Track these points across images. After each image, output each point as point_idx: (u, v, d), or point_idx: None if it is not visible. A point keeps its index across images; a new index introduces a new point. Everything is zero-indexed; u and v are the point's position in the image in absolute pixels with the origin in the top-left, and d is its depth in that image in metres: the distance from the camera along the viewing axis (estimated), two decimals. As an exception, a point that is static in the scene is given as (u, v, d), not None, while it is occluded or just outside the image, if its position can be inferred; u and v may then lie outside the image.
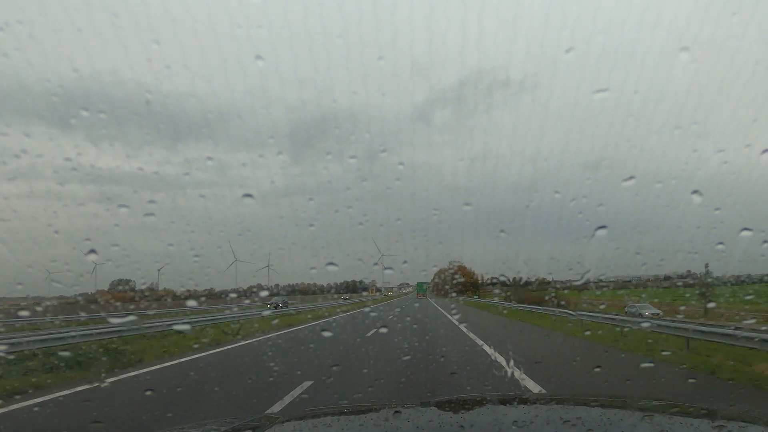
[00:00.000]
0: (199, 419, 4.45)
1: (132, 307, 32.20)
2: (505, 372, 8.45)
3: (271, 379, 8.70)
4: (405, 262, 13.15)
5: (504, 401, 1.94)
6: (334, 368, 9.69)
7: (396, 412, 2.01)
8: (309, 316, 30.78)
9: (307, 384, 7.78)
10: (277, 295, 45.85)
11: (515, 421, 1.71)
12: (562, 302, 37.33)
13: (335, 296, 77.24)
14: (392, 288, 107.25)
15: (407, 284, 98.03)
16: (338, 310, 38.65)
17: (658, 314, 32.10)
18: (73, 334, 13.42)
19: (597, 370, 9.12)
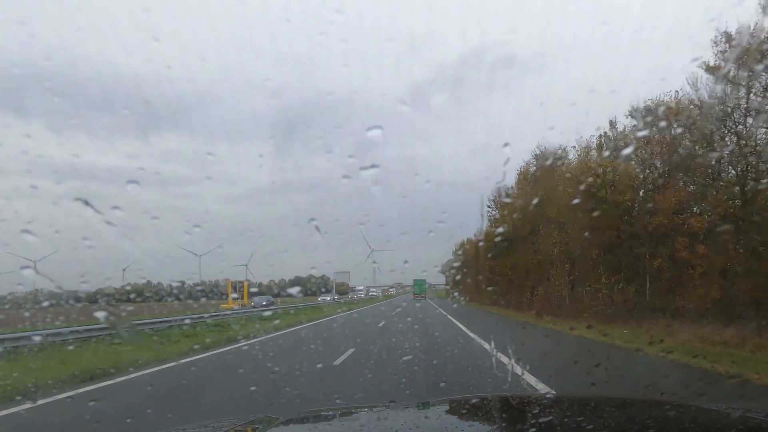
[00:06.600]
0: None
1: None
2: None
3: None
4: (406, 261, 12.40)
5: (504, 401, 1.94)
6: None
7: (395, 411, 2.03)
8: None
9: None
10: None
11: (515, 422, 1.70)
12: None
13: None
14: (357, 291, 75.37)
15: (402, 285, 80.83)
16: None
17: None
18: None
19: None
